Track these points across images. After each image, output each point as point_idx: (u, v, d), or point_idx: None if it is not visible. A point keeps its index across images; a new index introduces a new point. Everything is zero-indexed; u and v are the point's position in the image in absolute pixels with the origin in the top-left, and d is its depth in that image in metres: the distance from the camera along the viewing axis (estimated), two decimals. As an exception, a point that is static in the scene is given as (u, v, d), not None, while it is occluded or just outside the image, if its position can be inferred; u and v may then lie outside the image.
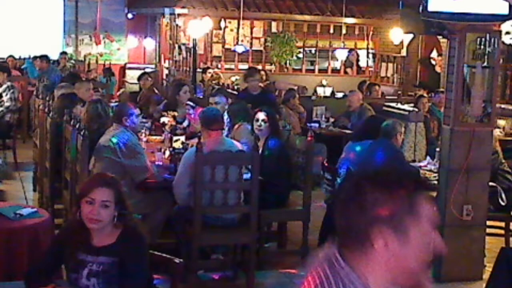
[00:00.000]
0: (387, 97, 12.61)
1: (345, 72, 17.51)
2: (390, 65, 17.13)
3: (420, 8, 5.83)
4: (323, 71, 17.32)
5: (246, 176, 5.92)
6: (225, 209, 5.95)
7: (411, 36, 14.97)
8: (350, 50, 17.10)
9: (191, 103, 8.59)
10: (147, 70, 15.51)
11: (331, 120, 10.92)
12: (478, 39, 6.08)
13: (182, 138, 7.39)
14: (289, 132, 8.62)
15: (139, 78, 12.07)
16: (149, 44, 19.20)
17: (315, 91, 15.23)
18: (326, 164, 7.10)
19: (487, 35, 6.09)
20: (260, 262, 6.32)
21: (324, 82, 16.60)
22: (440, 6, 5.86)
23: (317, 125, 10.64)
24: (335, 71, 17.48)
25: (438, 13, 5.91)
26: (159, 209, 6.17)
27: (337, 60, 17.61)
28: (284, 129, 8.35)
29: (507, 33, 8.93)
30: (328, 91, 15.22)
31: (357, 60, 17.65)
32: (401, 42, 16.06)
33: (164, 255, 3.89)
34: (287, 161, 6.74)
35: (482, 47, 6.08)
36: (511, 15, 6.09)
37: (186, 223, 5.93)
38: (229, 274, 6.27)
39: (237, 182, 5.87)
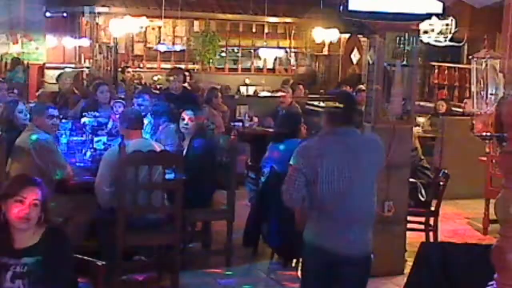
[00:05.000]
0: (309, 95, 12.72)
1: (268, 70, 17.57)
2: (313, 63, 17.31)
3: (341, 7, 5.89)
4: (246, 70, 17.36)
5: (170, 176, 5.87)
6: (149, 210, 5.89)
7: (332, 35, 15.12)
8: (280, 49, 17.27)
9: (123, 102, 8.48)
10: (67, 70, 15.20)
11: (255, 119, 10.95)
12: (397, 38, 6.20)
13: (104, 138, 7.28)
14: (212, 131, 8.60)
15: (57, 78, 11.81)
16: (69, 43, 18.83)
17: (238, 90, 15.25)
18: (249, 163, 7.11)
19: (406, 34, 6.21)
20: (185, 262, 6.28)
21: (247, 81, 16.64)
22: (360, 5, 5.94)
23: (240, 124, 10.65)
24: (258, 70, 17.54)
25: (358, 12, 5.99)
26: (82, 212, 6.06)
27: (260, 59, 17.68)
28: (208, 128, 8.33)
29: (425, 32, 9.13)
30: (251, 90, 15.27)
31: (287, 59, 17.76)
32: (323, 41, 16.23)
33: (86, 257, 3.82)
34: (212, 161, 6.72)
35: (401, 46, 6.20)
36: (429, 15, 6.23)
37: (109, 225, 5.84)
38: (154, 275, 6.21)
39: (161, 182, 5.82)
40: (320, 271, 4.31)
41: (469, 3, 11.14)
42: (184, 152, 6.28)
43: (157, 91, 11.48)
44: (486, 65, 9.86)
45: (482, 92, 9.93)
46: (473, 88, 10.36)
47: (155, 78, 15.29)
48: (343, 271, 4.26)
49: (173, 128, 7.08)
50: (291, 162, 4.26)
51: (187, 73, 13.38)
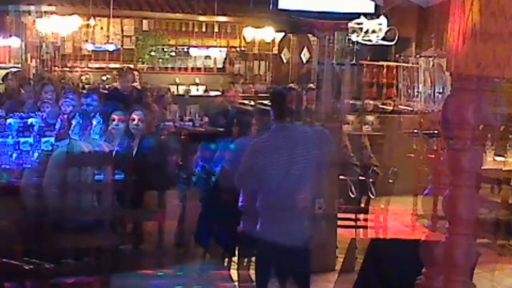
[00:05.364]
0: (259, 94, 12.74)
1: (218, 70, 17.41)
2: (263, 63, 17.24)
3: (271, 6, 5.89)
4: (196, 69, 17.21)
5: (99, 177, 5.82)
6: (79, 212, 5.81)
7: (282, 34, 15.15)
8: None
9: (71, 101, 8.40)
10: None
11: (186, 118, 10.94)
12: (346, 38, 6.23)
13: (52, 139, 7.14)
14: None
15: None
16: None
17: (169, 89, 15.15)
18: (180, 163, 7.11)
19: (335, 33, 6.26)
20: (116, 264, 6.20)
21: (197, 80, 16.61)
22: (290, 3, 5.93)
23: (191, 123, 10.70)
24: (208, 69, 17.40)
25: (290, 11, 5.99)
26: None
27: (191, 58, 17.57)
28: (158, 128, 8.33)
29: (373, 31, 9.22)
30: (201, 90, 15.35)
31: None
32: (273, 40, 16.23)
33: (13, 261, 3.74)
34: (163, 160, 6.81)
35: (350, 45, 6.24)
36: (358, 14, 6.30)
37: (37, 227, 5.73)
38: (84, 278, 6.11)
39: (91, 183, 5.78)
40: (270, 263, 4.63)
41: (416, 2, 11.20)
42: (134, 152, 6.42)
43: (105, 91, 11.39)
44: (433, 64, 10.01)
45: (429, 91, 10.10)
46: (421, 87, 10.47)
47: (104, 78, 15.12)
48: (285, 262, 4.57)
49: (122, 128, 7.08)
50: (241, 160, 4.77)
51: (136, 73, 13.32)
